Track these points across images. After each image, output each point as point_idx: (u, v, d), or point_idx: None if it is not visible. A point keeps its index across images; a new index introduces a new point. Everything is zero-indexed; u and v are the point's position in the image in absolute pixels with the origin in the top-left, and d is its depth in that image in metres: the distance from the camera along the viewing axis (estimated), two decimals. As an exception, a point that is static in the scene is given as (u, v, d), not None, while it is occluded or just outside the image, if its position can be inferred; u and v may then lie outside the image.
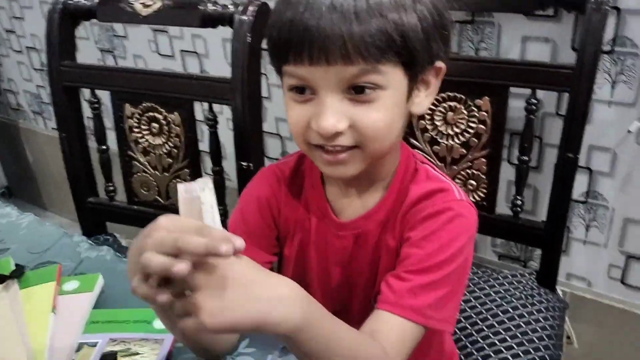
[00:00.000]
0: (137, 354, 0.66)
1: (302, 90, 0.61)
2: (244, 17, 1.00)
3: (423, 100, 0.66)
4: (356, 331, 0.60)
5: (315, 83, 0.59)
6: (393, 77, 0.60)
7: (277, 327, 0.49)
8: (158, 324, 0.70)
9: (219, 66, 1.56)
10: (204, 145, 1.16)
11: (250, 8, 1.00)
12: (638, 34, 1.02)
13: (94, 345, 0.68)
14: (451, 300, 0.65)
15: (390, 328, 0.62)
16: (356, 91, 0.59)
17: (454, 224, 0.66)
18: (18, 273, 0.78)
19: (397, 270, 0.66)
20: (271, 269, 0.76)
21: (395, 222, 0.70)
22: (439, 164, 1.12)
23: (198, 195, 0.49)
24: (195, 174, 1.17)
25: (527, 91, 1.03)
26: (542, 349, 0.97)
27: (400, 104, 0.63)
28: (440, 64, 0.65)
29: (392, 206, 0.71)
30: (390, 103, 0.61)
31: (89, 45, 1.82)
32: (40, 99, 2.16)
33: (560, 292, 1.14)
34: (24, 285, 0.77)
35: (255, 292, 0.48)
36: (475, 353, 0.96)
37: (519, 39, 1.13)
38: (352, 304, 0.77)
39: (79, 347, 0.68)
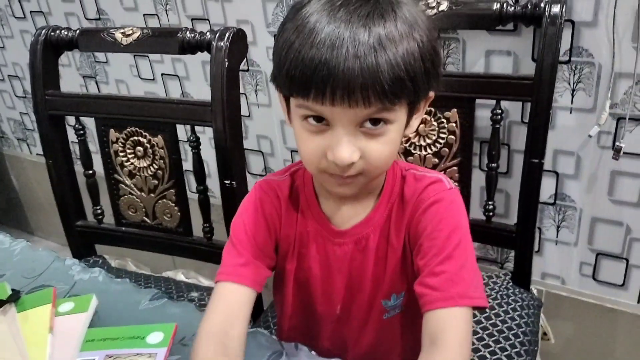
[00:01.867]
0: (133, 367, 0.70)
1: (316, 120, 0.66)
2: (221, 43, 1.05)
3: (413, 123, 0.73)
4: None
5: (333, 119, 0.64)
6: (400, 112, 0.67)
7: None
8: (151, 339, 0.74)
9: (200, 87, 1.61)
10: (187, 164, 1.20)
11: (227, 34, 1.05)
12: (592, 44, 1.09)
13: (91, 362, 0.72)
14: (477, 275, 0.71)
15: (454, 322, 0.67)
16: (368, 126, 0.65)
17: (452, 208, 0.74)
18: (15, 297, 0.81)
19: (423, 269, 0.71)
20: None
21: (400, 223, 0.77)
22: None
23: None
24: (181, 194, 1.21)
25: (493, 102, 1.09)
26: (518, 346, 1.02)
27: (401, 133, 0.70)
28: (430, 93, 0.72)
29: (388, 211, 0.78)
30: (395, 135, 0.68)
31: (71, 72, 1.86)
32: (24, 126, 2.19)
33: (535, 291, 1.19)
34: (20, 309, 0.80)
35: None
36: (454, 352, 1.01)
37: (483, 53, 1.19)
38: (354, 307, 0.82)
39: (77, 364, 0.72)
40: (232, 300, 0.74)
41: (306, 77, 0.61)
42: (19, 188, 2.43)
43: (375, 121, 0.65)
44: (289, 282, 0.83)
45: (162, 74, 1.67)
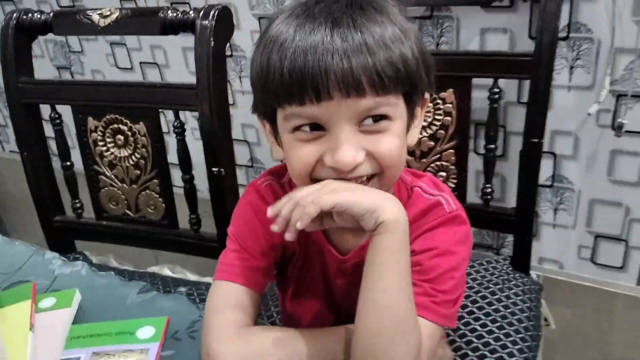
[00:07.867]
0: (123, 365, 0.65)
1: (312, 127, 0.60)
2: (206, 22, 0.99)
3: (414, 132, 0.68)
4: None
5: (328, 119, 0.59)
6: (399, 108, 0.62)
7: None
8: (141, 333, 0.69)
9: (181, 75, 1.55)
10: (171, 157, 1.14)
11: (212, 12, 1.00)
12: (591, 19, 1.06)
13: (77, 360, 0.66)
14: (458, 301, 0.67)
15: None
16: (369, 123, 0.60)
17: (447, 233, 0.68)
18: (-10, 294, 0.75)
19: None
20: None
21: None
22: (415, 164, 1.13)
23: None
24: (165, 184, 1.15)
25: (489, 82, 1.05)
26: (523, 331, 0.99)
27: (405, 133, 0.64)
28: (426, 95, 0.67)
29: None
30: (399, 131, 0.62)
31: (45, 63, 1.78)
32: (-6, 122, 2.11)
33: (534, 276, 1.16)
34: (-3, 307, 0.74)
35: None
36: (458, 340, 0.97)
37: (478, 31, 1.15)
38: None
39: (61, 364, 0.66)
40: (240, 298, 0.68)
41: (293, 80, 0.57)
42: (-8, 187, 2.34)
43: (375, 119, 0.60)
44: (289, 287, 0.78)
45: (140, 63, 1.61)
